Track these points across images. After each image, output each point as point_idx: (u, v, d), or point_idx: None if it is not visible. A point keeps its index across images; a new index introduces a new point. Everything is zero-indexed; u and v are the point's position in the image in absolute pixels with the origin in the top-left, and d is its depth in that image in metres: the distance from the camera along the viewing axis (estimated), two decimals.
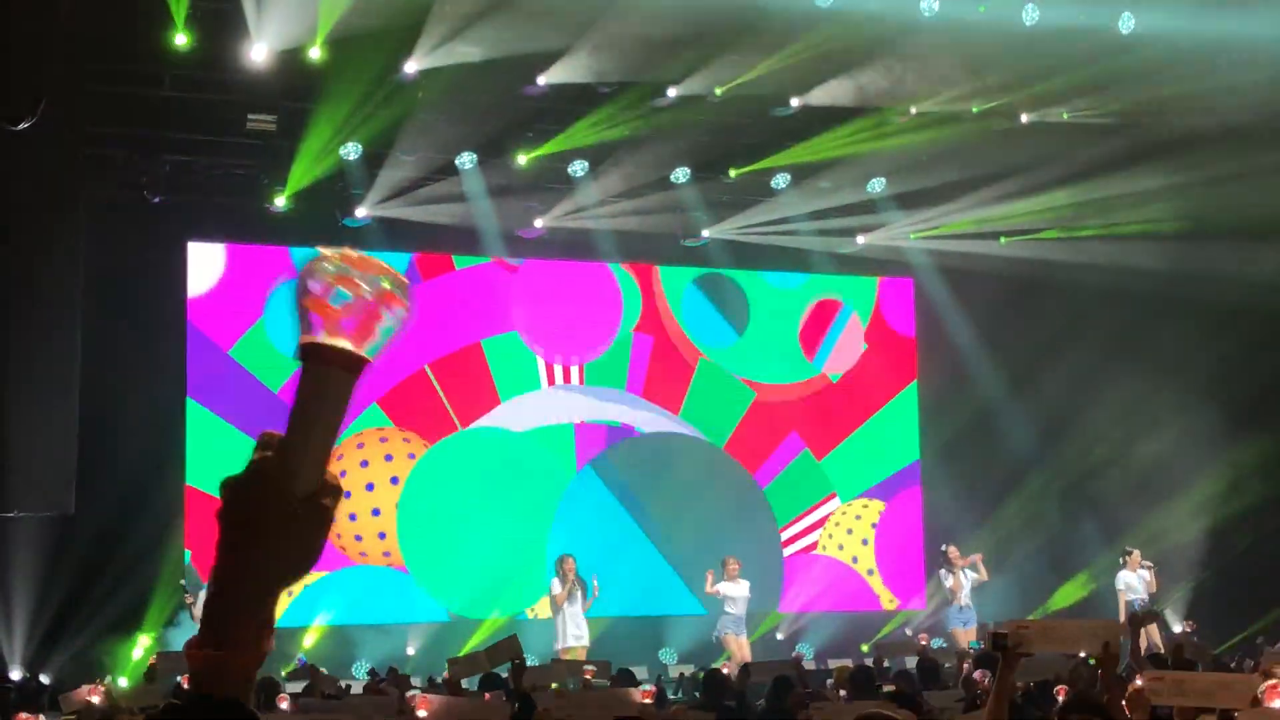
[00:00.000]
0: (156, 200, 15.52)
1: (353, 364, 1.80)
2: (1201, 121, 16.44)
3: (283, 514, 1.78)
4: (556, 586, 15.79)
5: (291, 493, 1.78)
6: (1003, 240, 19.08)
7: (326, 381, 1.79)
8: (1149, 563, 17.03)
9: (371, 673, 13.11)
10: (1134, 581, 16.80)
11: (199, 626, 1.80)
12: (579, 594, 15.75)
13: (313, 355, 1.80)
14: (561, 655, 15.05)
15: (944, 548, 17.43)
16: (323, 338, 1.79)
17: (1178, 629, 17.12)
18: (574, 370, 18.18)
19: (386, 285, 1.82)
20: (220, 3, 13.87)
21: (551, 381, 18.04)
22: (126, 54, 14.19)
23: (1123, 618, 15.82)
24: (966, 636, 16.61)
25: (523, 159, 16.67)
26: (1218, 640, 16.93)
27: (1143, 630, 15.42)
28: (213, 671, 1.77)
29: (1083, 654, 8.81)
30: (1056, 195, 18.10)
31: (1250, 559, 18.33)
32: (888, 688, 10.68)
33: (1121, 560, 17.06)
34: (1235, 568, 18.36)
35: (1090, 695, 6.93)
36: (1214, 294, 17.86)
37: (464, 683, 10.92)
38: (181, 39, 14.06)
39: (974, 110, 17.23)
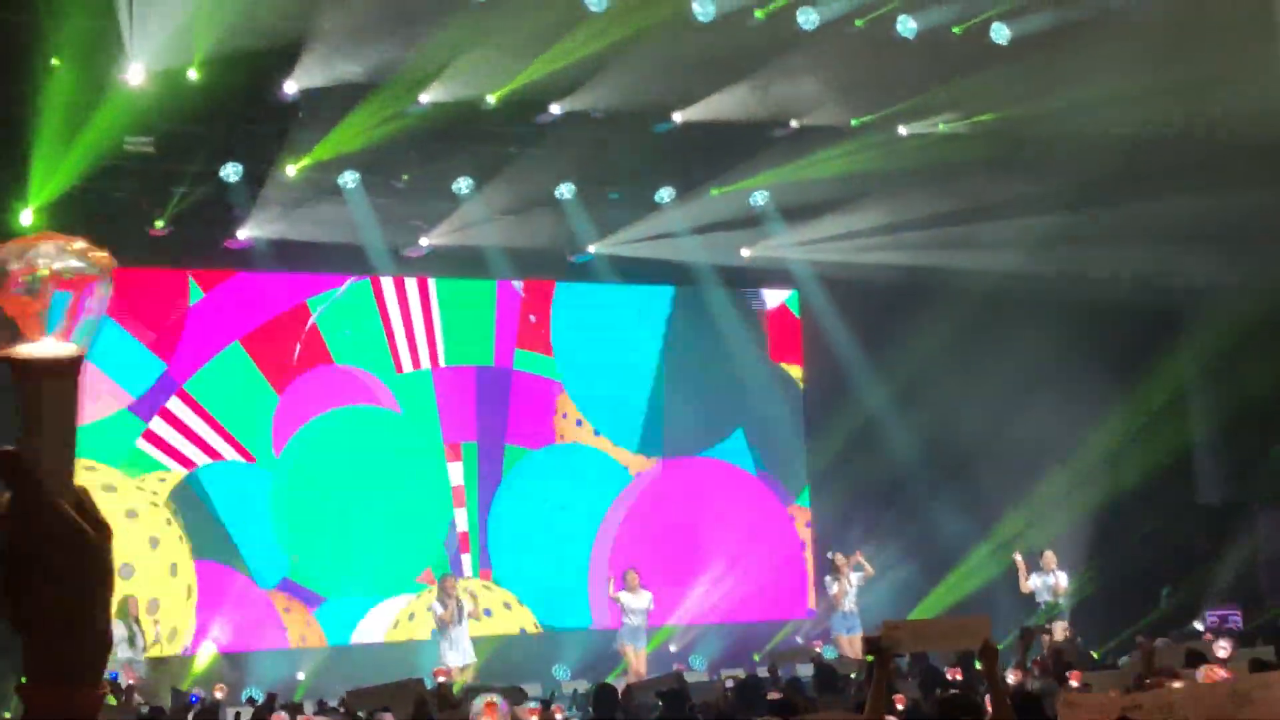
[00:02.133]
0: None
1: (65, 368, 1.64)
2: (1078, 127, 16.76)
3: (68, 531, 1.63)
4: (438, 608, 15.71)
5: (65, 508, 1.62)
6: (881, 251, 19.25)
7: (43, 395, 1.63)
8: (1057, 568, 17.44)
9: (270, 697, 12.97)
10: (1039, 583, 17.18)
11: (26, 665, 1.65)
12: (461, 613, 15.73)
13: (18, 370, 1.62)
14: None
15: (829, 554, 17.61)
16: (23, 349, 1.61)
17: (1058, 635, 17.41)
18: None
19: (81, 264, 1.63)
20: (95, 21, 13.71)
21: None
22: (1, 74, 13.98)
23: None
24: (850, 642, 16.78)
25: (404, 177, 16.63)
26: (1099, 640, 17.29)
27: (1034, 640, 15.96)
28: (61, 710, 1.62)
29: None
30: (934, 203, 18.37)
31: (1127, 554, 18.75)
32: (773, 695, 10.69)
33: (1039, 562, 17.42)
34: (1112, 565, 18.74)
35: (967, 697, 7.06)
36: (1087, 293, 18.27)
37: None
38: (57, 61, 13.90)
39: (853, 123, 17.48)
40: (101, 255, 1.64)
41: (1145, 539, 18.94)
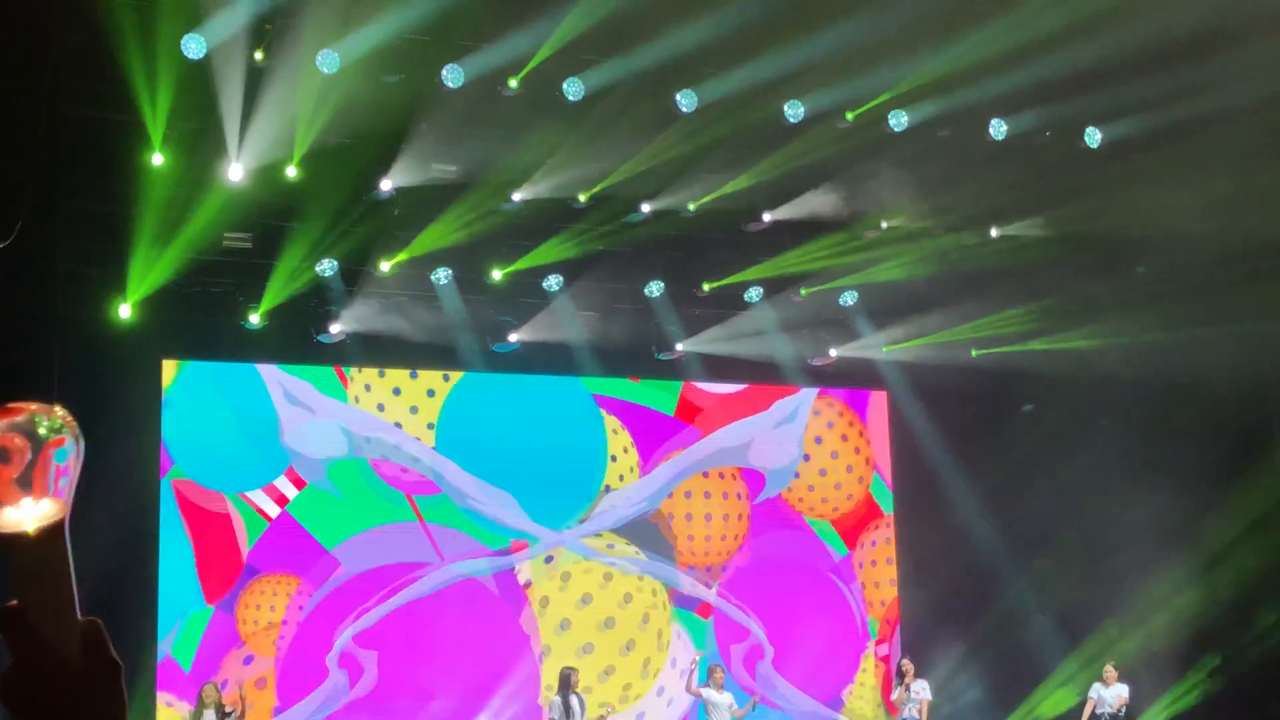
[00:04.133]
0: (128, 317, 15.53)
1: (50, 530, 1.67)
2: (1170, 229, 16.67)
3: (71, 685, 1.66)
4: (557, 706, 15.54)
5: (69, 662, 1.66)
6: (975, 353, 19.17)
7: (34, 555, 1.66)
8: (1121, 682, 17.15)
9: None
10: (1107, 695, 16.92)
11: None
12: (581, 707, 15.51)
13: (6, 538, 1.65)
14: None
15: (901, 660, 17.41)
16: (7, 516, 1.64)
17: None
18: None
19: (45, 427, 1.68)
20: (198, 123, 14.00)
21: None
22: (104, 172, 14.28)
23: None
24: None
25: (497, 274, 16.78)
26: None
27: None
28: None
29: None
30: (1028, 306, 18.28)
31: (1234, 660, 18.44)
32: None
33: (1103, 675, 17.16)
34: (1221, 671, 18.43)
35: None
36: (1183, 394, 18.04)
37: None
38: (158, 158, 14.19)
39: (943, 225, 17.48)
40: (67, 416, 1.68)
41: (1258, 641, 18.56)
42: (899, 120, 15.79)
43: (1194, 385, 18.02)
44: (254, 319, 16.24)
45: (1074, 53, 14.79)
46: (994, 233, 17.64)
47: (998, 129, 16.13)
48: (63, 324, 15.04)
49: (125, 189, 14.49)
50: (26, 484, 1.65)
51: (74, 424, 1.69)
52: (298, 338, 16.72)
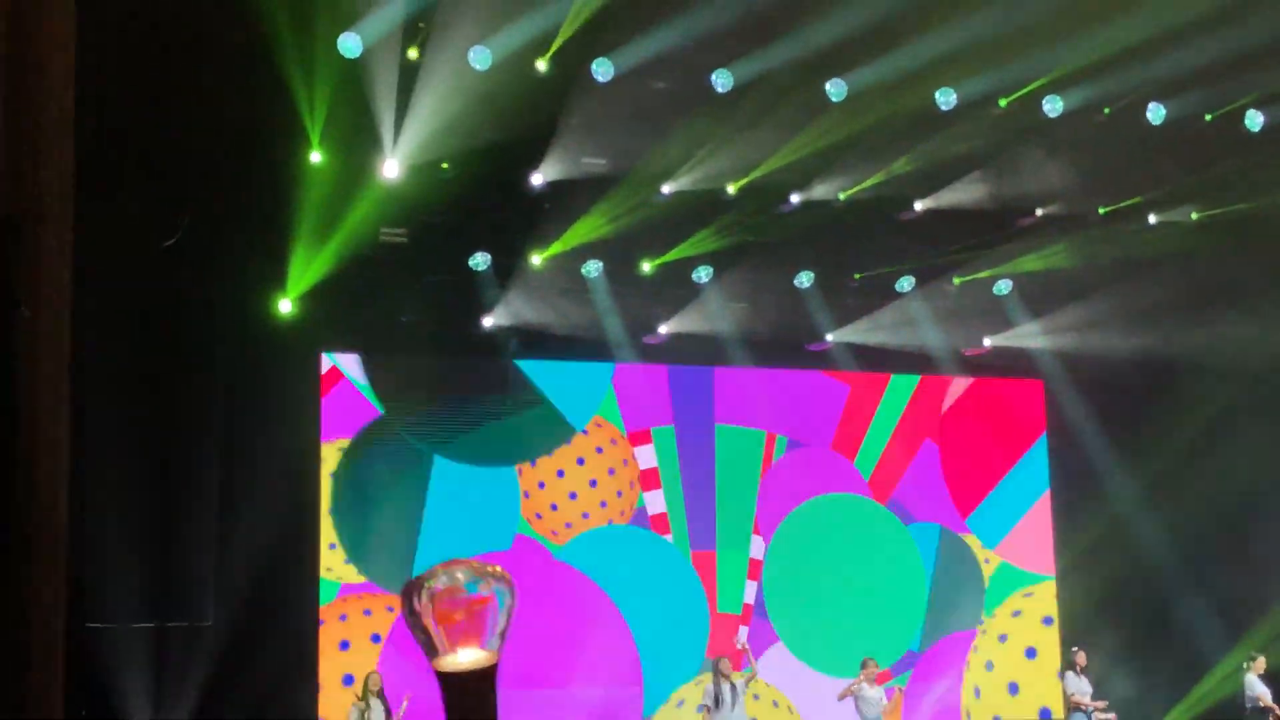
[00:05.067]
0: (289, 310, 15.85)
1: (484, 672, 1.96)
2: None
3: None
4: (710, 693, 15.29)
5: None
6: (1131, 342, 18.81)
7: (466, 695, 1.94)
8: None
9: None
10: (1263, 689, 16.44)
11: None
12: (733, 695, 15.22)
13: (445, 680, 1.97)
14: None
15: (1073, 651, 17.10)
16: (447, 662, 1.92)
17: None
18: None
19: (487, 581, 1.93)
20: (355, 120, 14.25)
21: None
22: (264, 170, 14.59)
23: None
24: None
25: (647, 266, 16.85)
26: None
27: None
28: None
29: None
30: (1184, 290, 17.91)
31: None
32: None
33: (1245, 665, 16.69)
34: None
35: None
36: None
37: None
38: (316, 156, 14.47)
39: (1100, 212, 17.20)
40: (502, 571, 1.95)
41: None
42: (1054, 106, 15.57)
43: None
44: (411, 312, 16.49)
45: (1233, 34, 14.47)
46: (1152, 219, 17.32)
47: (1156, 113, 15.84)
48: (226, 319, 15.42)
49: (285, 186, 14.77)
50: (472, 633, 1.98)
51: (510, 580, 1.99)
52: (454, 330, 16.93)
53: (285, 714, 15.61)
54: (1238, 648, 18.28)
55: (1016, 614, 19.00)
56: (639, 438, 17.93)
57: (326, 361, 16.83)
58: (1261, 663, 16.60)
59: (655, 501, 17.94)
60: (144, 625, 14.77)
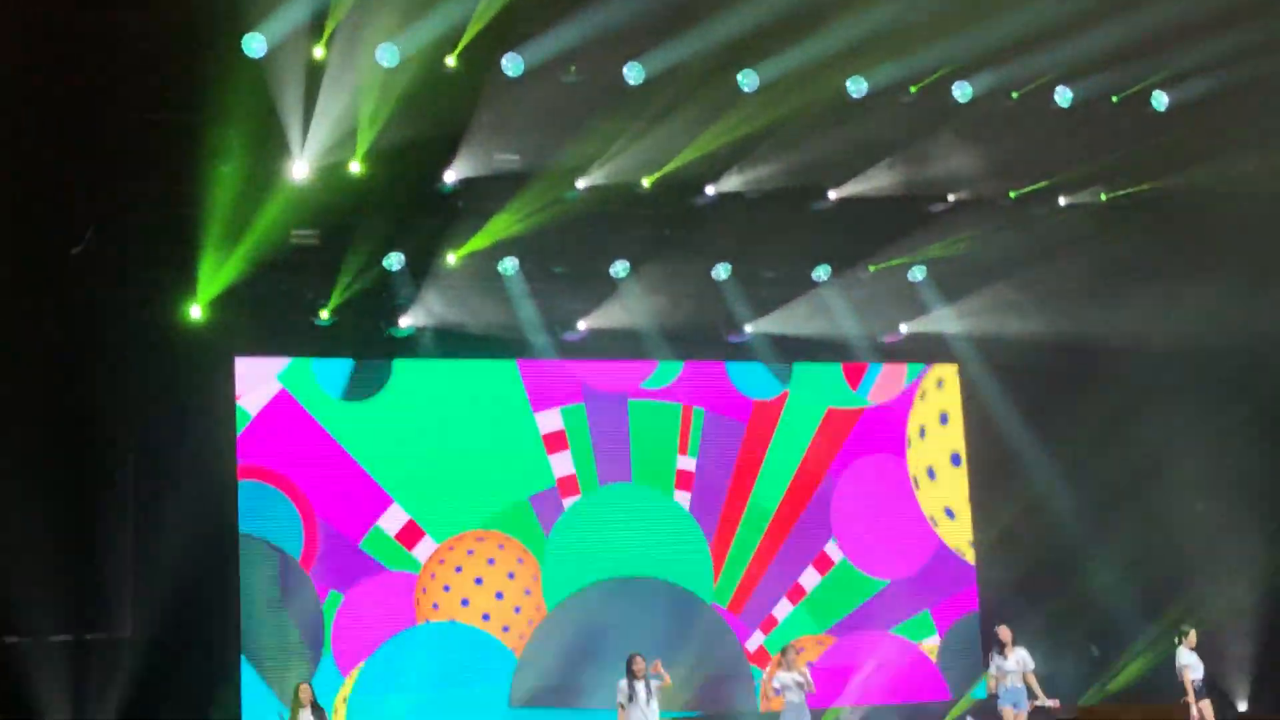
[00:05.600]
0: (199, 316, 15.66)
1: None
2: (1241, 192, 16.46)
3: None
4: (623, 690, 15.31)
5: None
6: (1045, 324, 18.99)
7: None
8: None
9: None
10: (1194, 660, 16.59)
11: None
12: (647, 693, 15.21)
13: None
14: None
15: (996, 628, 17.22)
16: None
17: (1242, 707, 16.93)
18: None
19: None
20: (260, 121, 14.08)
21: None
22: (171, 175, 14.40)
23: (1190, 697, 15.71)
24: (1017, 717, 16.31)
25: (562, 262, 16.80)
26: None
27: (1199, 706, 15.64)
28: None
29: None
30: (1095, 273, 18.11)
31: None
32: None
33: (1177, 640, 16.85)
34: None
35: None
36: (1258, 363, 17.84)
37: None
38: (224, 159, 14.28)
39: (1011, 196, 17.34)
40: None
41: None
42: (963, 92, 15.67)
43: (1266, 346, 17.82)
44: (324, 315, 16.34)
45: (1138, 16, 14.63)
46: (1062, 201, 17.47)
47: (1064, 97, 15.98)
48: (135, 326, 15.21)
49: (192, 190, 14.58)
50: None
51: None
52: (368, 332, 16.79)
53: None
54: (1154, 623, 18.55)
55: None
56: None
57: (242, 365, 16.61)
58: (1193, 637, 16.77)
59: (562, 463, 17.87)
60: (61, 638, 14.54)
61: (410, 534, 17.03)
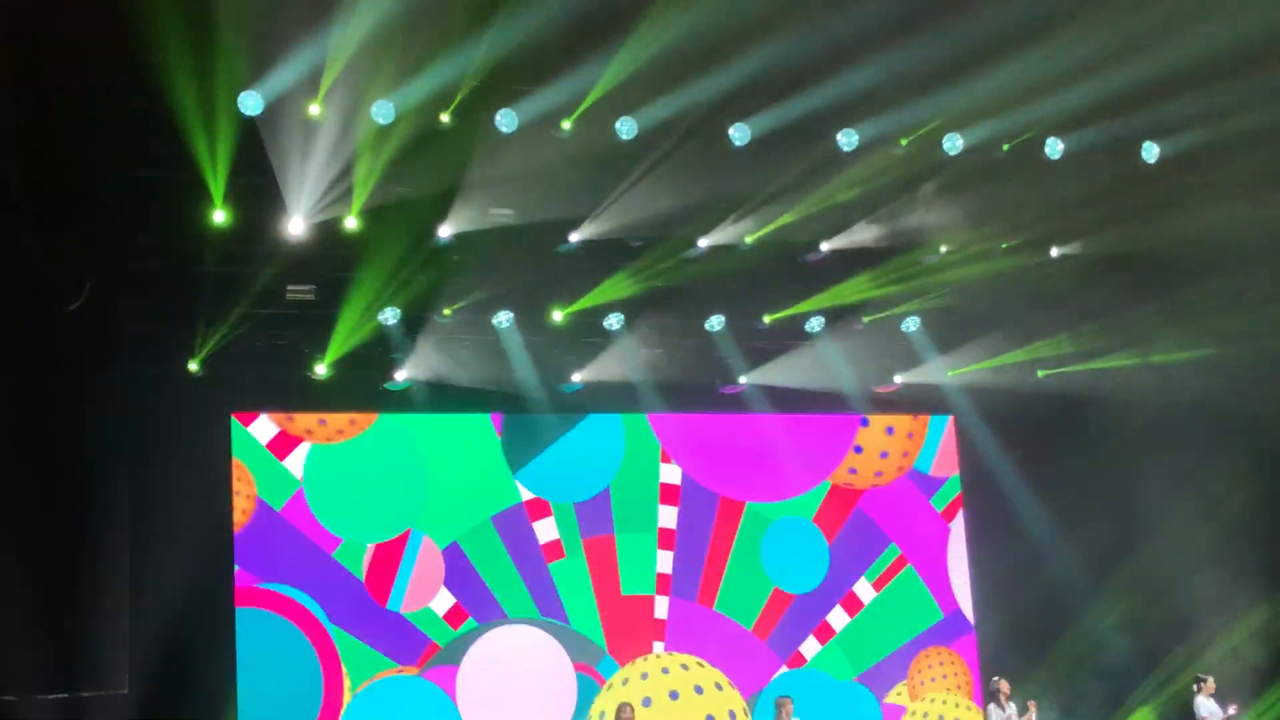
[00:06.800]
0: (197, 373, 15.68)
1: None
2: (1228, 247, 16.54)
3: None
4: None
5: None
6: (1041, 374, 19.06)
7: None
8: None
9: None
10: (1214, 708, 16.59)
11: None
12: None
13: None
14: None
15: (994, 681, 17.21)
16: None
17: None
18: None
19: None
20: (257, 179, 14.16)
21: None
22: (167, 231, 14.47)
23: None
24: None
25: (558, 315, 16.84)
26: None
27: None
28: None
29: None
30: (1091, 326, 18.18)
31: None
32: None
33: (1196, 687, 16.84)
34: None
35: None
36: (1258, 417, 17.86)
37: None
38: (220, 215, 14.35)
39: (1003, 246, 17.42)
40: None
41: None
42: (954, 143, 15.78)
43: (1262, 402, 17.87)
44: (320, 369, 16.38)
45: (1129, 68, 14.75)
46: (1054, 252, 17.55)
47: (1054, 148, 16.09)
48: (134, 383, 15.24)
49: (189, 246, 14.64)
50: None
51: None
52: (365, 386, 16.82)
53: None
54: (1155, 673, 18.54)
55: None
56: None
57: (238, 421, 16.64)
58: (1211, 684, 16.80)
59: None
60: (55, 696, 14.48)
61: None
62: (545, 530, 17.73)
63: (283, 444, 16.82)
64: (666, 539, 18.27)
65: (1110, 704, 18.83)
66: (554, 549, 17.73)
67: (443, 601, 17.11)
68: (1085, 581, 18.92)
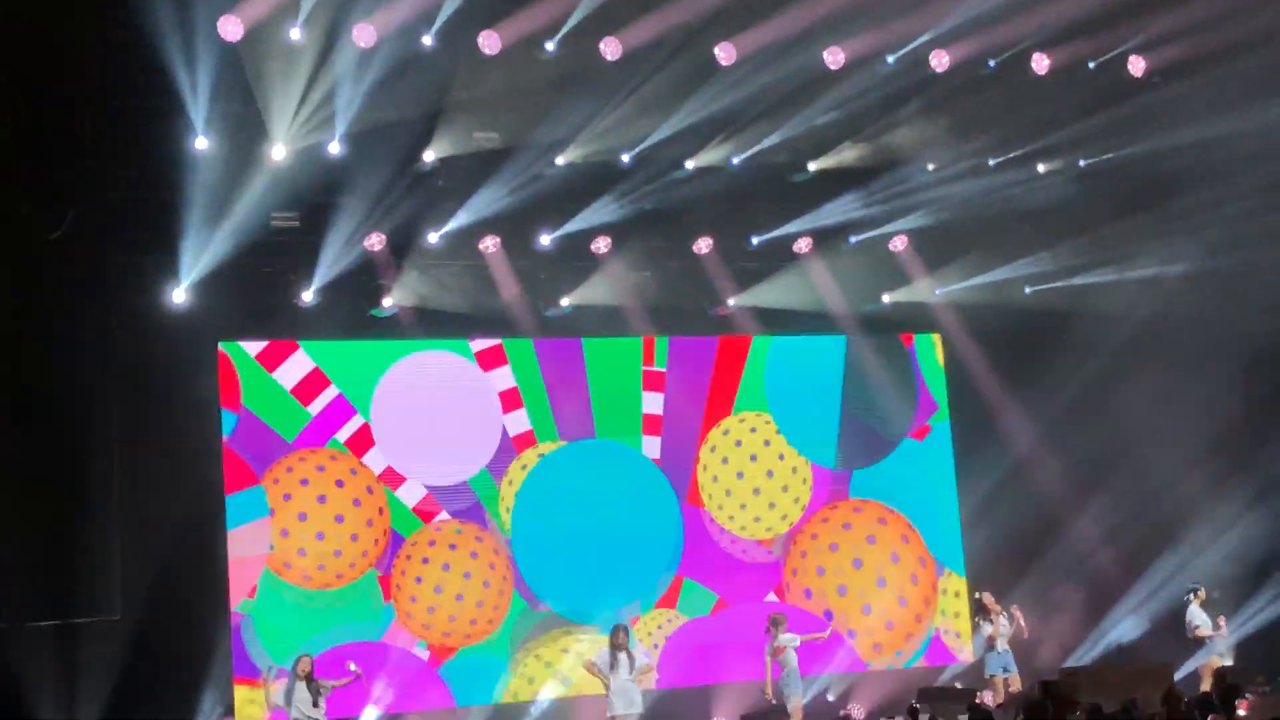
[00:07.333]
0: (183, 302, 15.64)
1: None
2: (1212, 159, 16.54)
3: None
4: (605, 659, 15.47)
5: None
6: (1028, 290, 19.07)
7: None
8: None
9: None
10: (1205, 617, 16.69)
11: None
12: (628, 663, 15.41)
13: None
14: None
15: (977, 594, 17.31)
16: None
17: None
18: None
19: None
20: (240, 105, 14.07)
21: None
22: (151, 160, 14.40)
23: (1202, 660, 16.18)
24: (1008, 683, 16.41)
25: (545, 239, 16.80)
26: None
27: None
28: None
29: None
30: (1076, 241, 18.18)
31: None
32: None
33: (1188, 597, 16.93)
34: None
35: None
36: (1236, 329, 17.92)
37: None
38: (203, 142, 14.28)
39: (990, 164, 17.38)
40: None
41: None
42: (940, 60, 15.72)
43: (1248, 313, 17.91)
44: (306, 297, 16.33)
45: None
46: (1041, 168, 17.52)
47: (1040, 64, 16.05)
48: (119, 312, 15.20)
49: (172, 175, 14.57)
50: None
51: None
52: (351, 313, 16.79)
53: (203, 705, 15.52)
54: (1138, 583, 18.70)
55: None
56: (490, 359, 17.80)
57: (225, 349, 16.60)
58: (1202, 593, 16.92)
59: (517, 421, 17.82)
60: (49, 623, 14.55)
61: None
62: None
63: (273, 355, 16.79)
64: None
65: (1094, 613, 18.99)
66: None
67: None
68: (1071, 495, 19.01)
